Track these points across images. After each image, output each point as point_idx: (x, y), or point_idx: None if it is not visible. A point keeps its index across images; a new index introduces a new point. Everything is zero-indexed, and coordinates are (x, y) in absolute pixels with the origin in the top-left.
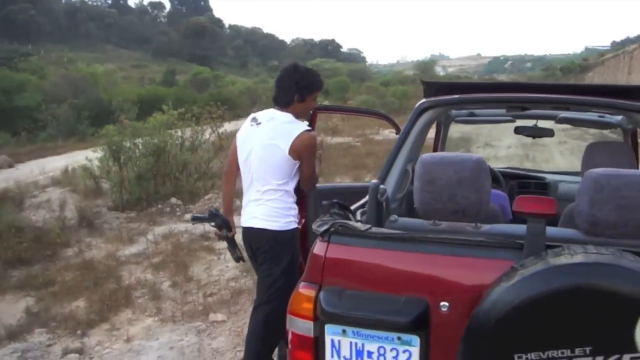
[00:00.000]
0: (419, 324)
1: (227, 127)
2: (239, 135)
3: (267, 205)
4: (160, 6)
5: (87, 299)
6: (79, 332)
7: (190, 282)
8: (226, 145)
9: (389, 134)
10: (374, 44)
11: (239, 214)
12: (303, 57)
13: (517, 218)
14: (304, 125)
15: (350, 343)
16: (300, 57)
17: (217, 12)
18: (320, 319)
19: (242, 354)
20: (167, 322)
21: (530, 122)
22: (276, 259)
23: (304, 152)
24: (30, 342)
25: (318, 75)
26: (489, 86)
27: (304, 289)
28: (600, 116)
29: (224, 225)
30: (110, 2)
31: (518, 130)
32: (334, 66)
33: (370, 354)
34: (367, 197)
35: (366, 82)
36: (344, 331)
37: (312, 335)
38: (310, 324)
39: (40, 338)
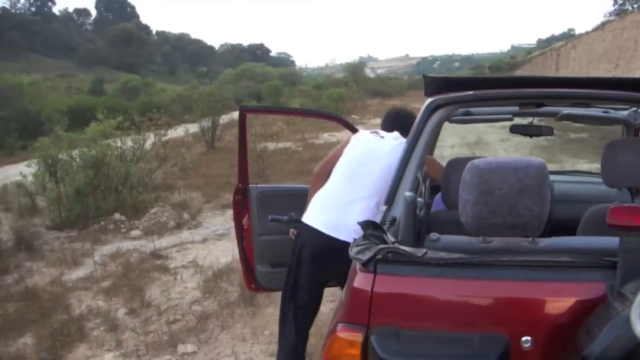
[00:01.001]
0: None
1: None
2: (358, 140)
3: (361, 216)
4: (86, 13)
5: (35, 334)
6: None
7: (148, 308)
8: (171, 155)
9: (329, 137)
10: (303, 47)
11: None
12: (232, 63)
13: None
14: None
15: None
16: (229, 63)
17: (144, 19)
18: None
19: None
20: (130, 357)
21: (525, 121)
22: None
23: None
24: None
25: None
26: (500, 81)
27: (344, 333)
28: (604, 112)
29: None
30: (34, 9)
31: (514, 130)
32: (264, 70)
33: None
34: (380, 209)
35: (298, 86)
36: None
37: None
38: None
39: None
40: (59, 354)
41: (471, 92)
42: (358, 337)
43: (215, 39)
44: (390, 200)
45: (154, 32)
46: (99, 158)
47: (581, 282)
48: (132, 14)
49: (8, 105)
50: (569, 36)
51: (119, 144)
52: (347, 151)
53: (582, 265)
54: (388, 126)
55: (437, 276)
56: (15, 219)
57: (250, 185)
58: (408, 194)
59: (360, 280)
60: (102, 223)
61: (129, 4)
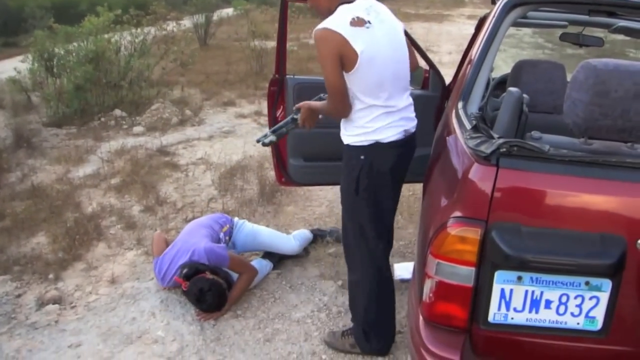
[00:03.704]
0: (619, 266)
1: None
2: (364, 45)
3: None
4: None
5: (49, 233)
6: (50, 275)
7: (163, 206)
8: (171, 50)
9: None
10: None
11: None
12: None
13: None
14: None
15: (525, 292)
16: None
17: None
18: (489, 264)
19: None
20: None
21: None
22: None
23: None
24: None
25: None
26: None
27: (458, 227)
28: None
29: None
30: None
31: (564, 38)
32: None
33: (548, 303)
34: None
35: None
36: (519, 278)
37: (471, 284)
38: (470, 271)
39: (5, 288)
40: (77, 253)
41: None
42: (476, 232)
43: None
44: (466, 97)
45: None
46: (99, 52)
47: None
48: None
49: None
50: None
51: (116, 38)
52: (372, 62)
53: None
54: None
55: (560, 173)
56: (10, 116)
57: (287, 76)
58: (514, 89)
59: (481, 173)
60: (102, 119)
61: None
